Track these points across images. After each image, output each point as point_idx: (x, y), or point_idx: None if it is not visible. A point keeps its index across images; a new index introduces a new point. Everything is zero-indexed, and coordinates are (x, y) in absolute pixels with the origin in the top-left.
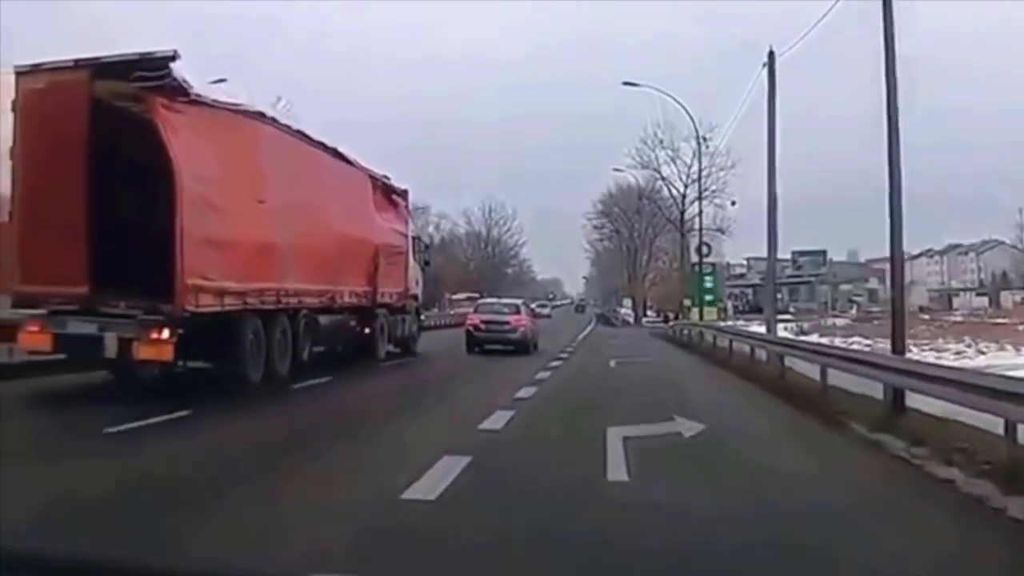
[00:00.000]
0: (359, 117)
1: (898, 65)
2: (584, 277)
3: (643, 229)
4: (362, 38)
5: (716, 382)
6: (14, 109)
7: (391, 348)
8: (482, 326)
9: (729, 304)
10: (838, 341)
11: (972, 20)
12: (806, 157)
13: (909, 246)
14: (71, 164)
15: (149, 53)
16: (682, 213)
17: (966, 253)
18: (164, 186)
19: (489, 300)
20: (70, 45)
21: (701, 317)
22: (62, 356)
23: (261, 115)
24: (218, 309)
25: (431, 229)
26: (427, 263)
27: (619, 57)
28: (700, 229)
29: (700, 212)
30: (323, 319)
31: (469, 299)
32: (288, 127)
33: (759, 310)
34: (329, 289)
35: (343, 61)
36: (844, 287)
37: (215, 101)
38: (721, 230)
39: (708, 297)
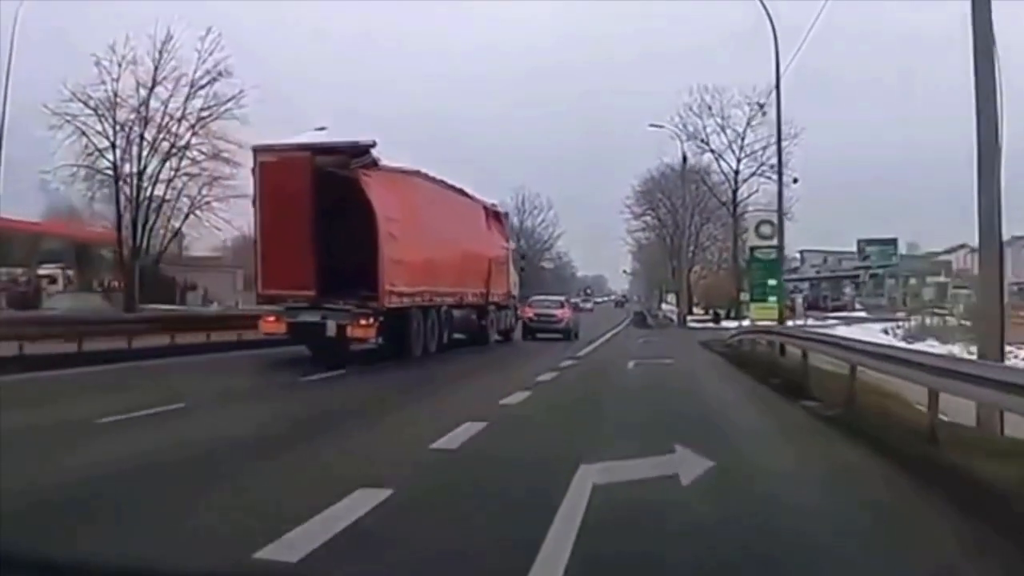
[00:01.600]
0: (365, 110)
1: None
2: (624, 271)
3: (688, 216)
4: (369, 26)
5: None
6: (254, 173)
7: (497, 337)
8: (535, 318)
9: (799, 299)
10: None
11: None
12: (843, 145)
13: (965, 239)
14: (300, 208)
15: (357, 142)
16: (735, 192)
17: None
18: (364, 225)
19: (540, 297)
20: (70, 44)
21: (781, 319)
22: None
23: (418, 172)
24: (398, 305)
25: None
26: (523, 269)
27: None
28: (780, 189)
29: (780, 160)
30: (455, 313)
31: None
32: (433, 177)
33: (818, 307)
34: (459, 291)
35: (351, 51)
36: (912, 281)
37: (393, 168)
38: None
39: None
